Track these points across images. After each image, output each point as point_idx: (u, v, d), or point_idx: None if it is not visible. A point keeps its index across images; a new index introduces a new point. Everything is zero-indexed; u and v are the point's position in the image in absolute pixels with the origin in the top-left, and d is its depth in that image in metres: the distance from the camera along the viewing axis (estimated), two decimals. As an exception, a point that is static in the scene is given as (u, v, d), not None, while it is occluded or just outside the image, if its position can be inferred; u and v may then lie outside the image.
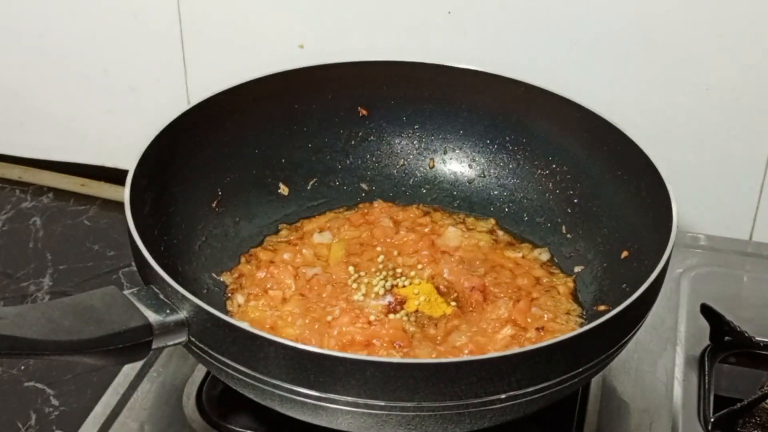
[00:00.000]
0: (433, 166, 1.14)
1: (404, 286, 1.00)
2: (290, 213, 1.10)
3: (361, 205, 1.12)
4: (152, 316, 0.80)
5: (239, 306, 0.98)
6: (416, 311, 0.97)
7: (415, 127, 1.15)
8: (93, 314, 0.79)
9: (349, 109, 1.13)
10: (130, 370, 0.98)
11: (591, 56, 1.15)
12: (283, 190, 1.10)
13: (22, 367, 1.05)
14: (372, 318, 0.95)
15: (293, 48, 1.23)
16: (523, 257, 1.05)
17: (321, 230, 1.07)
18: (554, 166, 1.09)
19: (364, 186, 1.13)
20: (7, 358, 0.90)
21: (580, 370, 0.80)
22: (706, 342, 1.02)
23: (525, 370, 0.77)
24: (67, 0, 1.28)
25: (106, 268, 1.20)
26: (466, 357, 0.88)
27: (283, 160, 1.12)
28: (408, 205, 1.12)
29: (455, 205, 1.12)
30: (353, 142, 1.14)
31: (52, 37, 1.31)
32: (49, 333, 0.76)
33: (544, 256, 1.05)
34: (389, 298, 0.98)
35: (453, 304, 0.97)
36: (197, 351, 0.82)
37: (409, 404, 0.76)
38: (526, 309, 0.96)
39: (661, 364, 1.01)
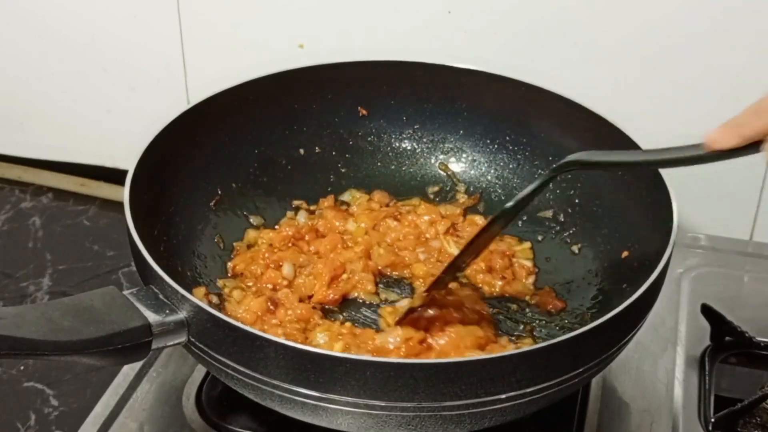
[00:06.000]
0: (433, 166, 1.14)
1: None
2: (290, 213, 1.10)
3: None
4: (152, 317, 0.80)
5: (236, 299, 0.98)
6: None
7: (415, 127, 1.15)
8: (92, 314, 0.79)
9: (349, 109, 1.13)
10: (129, 370, 0.98)
11: (591, 56, 1.15)
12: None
13: (22, 367, 1.05)
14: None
15: (293, 48, 1.23)
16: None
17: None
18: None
19: (364, 186, 1.14)
20: (6, 358, 0.90)
21: (581, 370, 0.80)
22: (707, 342, 1.02)
23: (525, 370, 0.77)
24: (67, 0, 1.28)
25: (105, 268, 1.20)
26: (466, 357, 0.88)
27: (283, 161, 1.11)
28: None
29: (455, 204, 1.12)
30: (353, 142, 1.14)
31: (51, 38, 1.31)
32: (49, 333, 0.76)
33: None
34: None
35: None
36: (197, 351, 0.82)
37: (409, 404, 0.76)
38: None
39: (661, 364, 1.01)
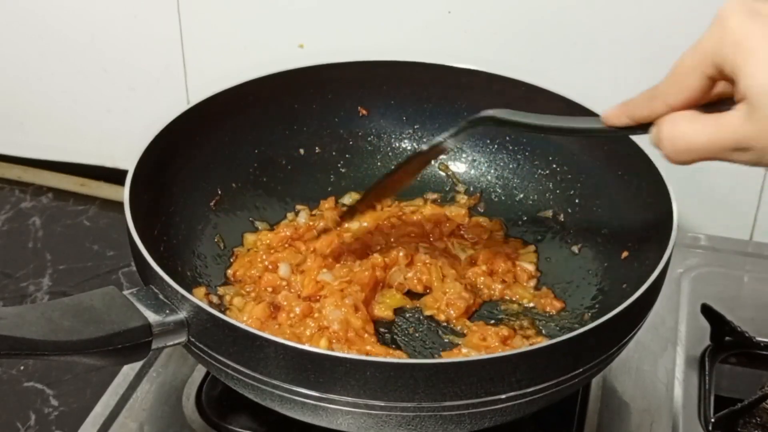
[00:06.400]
0: (433, 166, 1.14)
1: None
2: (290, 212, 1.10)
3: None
4: (152, 317, 0.80)
5: (237, 307, 0.97)
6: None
7: (415, 127, 1.15)
8: (92, 314, 0.79)
9: (349, 109, 1.13)
10: (129, 370, 0.98)
11: (591, 56, 1.15)
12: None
13: (22, 367, 1.05)
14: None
15: (293, 48, 1.23)
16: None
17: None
18: (554, 166, 1.09)
19: (364, 186, 1.14)
20: (6, 358, 0.90)
21: (581, 370, 0.80)
22: (707, 342, 1.03)
23: (525, 370, 0.77)
24: (67, 0, 1.28)
25: (105, 268, 1.20)
26: (466, 357, 0.88)
27: (283, 161, 1.12)
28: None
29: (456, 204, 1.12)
30: (353, 142, 1.14)
31: (51, 38, 1.31)
32: (49, 333, 0.76)
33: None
34: None
35: None
36: (197, 351, 0.82)
37: (409, 404, 0.76)
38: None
39: (661, 364, 1.01)
